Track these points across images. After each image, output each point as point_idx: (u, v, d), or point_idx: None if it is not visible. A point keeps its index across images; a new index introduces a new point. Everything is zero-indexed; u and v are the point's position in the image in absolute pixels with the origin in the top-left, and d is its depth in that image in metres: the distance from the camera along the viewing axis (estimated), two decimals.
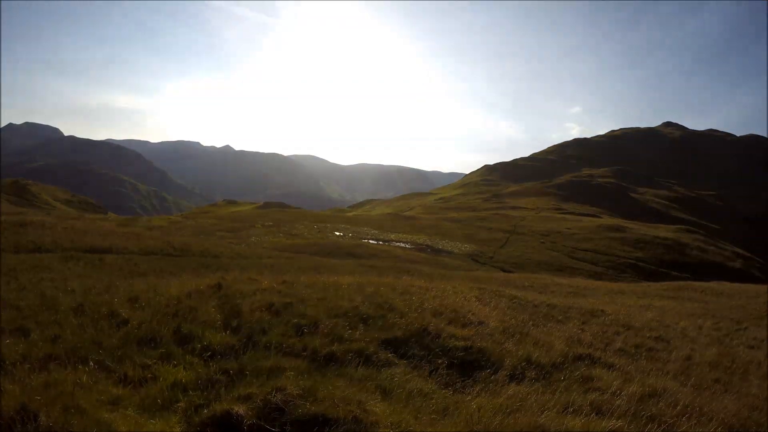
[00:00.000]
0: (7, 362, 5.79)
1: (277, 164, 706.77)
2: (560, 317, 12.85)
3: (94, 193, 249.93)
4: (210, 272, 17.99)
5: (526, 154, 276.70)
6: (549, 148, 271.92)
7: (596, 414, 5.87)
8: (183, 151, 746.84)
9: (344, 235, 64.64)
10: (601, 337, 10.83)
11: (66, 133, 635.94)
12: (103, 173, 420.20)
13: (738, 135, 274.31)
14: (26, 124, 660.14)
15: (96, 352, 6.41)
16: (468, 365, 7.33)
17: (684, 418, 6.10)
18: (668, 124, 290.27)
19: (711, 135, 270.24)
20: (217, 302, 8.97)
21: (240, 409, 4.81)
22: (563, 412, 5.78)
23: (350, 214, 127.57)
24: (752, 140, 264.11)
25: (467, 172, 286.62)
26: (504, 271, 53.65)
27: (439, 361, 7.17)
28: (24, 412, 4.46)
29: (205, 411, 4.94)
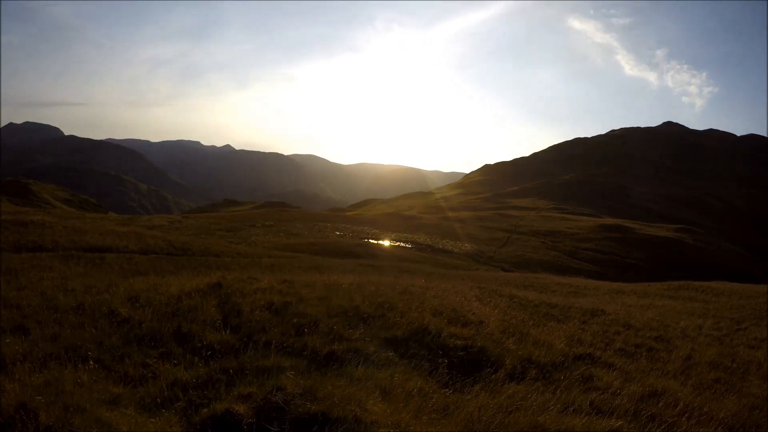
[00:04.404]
0: (8, 361, 5.79)
1: (277, 164, 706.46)
2: (560, 317, 12.84)
3: (94, 192, 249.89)
4: (210, 271, 17.94)
5: (527, 153, 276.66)
6: (549, 147, 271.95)
7: (596, 413, 5.87)
8: (183, 151, 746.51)
9: (344, 234, 64.61)
10: (602, 337, 10.82)
11: (66, 133, 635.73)
12: (104, 173, 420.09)
13: (738, 135, 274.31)
14: (26, 123, 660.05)
15: (96, 350, 6.41)
16: (468, 364, 7.32)
17: (684, 418, 6.10)
18: (668, 124, 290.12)
19: (711, 135, 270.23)
20: (217, 301, 8.97)
21: (240, 408, 4.81)
22: (563, 411, 5.78)
23: (350, 213, 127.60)
24: (752, 140, 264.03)
25: (467, 172, 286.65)
26: (504, 270, 53.64)
27: (439, 361, 7.16)
28: (24, 410, 4.46)
29: (205, 410, 4.94)
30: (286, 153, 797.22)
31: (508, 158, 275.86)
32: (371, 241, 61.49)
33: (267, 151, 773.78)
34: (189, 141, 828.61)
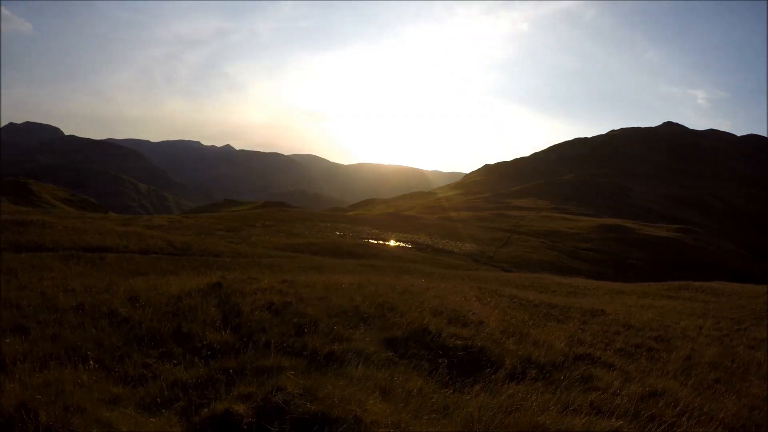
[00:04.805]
0: (8, 361, 5.79)
1: (277, 164, 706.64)
2: (560, 317, 12.85)
3: (94, 192, 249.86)
4: (210, 271, 17.95)
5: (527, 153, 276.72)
6: (549, 147, 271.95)
7: (596, 413, 5.87)
8: (183, 151, 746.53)
9: (344, 234, 64.61)
10: (602, 337, 10.83)
11: (66, 133, 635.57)
12: (104, 172, 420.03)
13: (738, 135, 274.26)
14: (26, 123, 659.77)
15: (96, 350, 6.41)
16: (468, 364, 7.33)
17: (684, 418, 6.10)
18: (668, 124, 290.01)
19: (711, 135, 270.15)
20: (218, 301, 8.97)
21: (240, 408, 4.80)
22: (563, 411, 5.78)
23: (350, 213, 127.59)
24: (752, 140, 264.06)
25: (468, 172, 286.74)
26: (504, 270, 53.62)
27: (439, 361, 7.16)
28: (24, 410, 4.46)
29: (205, 410, 4.94)
30: (285, 153, 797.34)
31: (508, 158, 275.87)
32: (371, 241, 61.49)
33: (267, 150, 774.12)
34: (189, 141, 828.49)
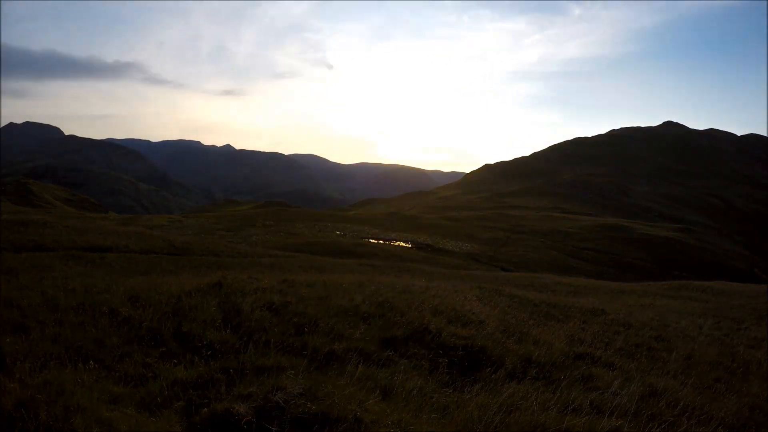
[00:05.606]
0: (8, 360, 5.79)
1: (277, 164, 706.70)
2: (561, 316, 12.85)
3: (94, 192, 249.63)
4: (210, 271, 17.97)
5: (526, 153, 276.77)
6: (549, 147, 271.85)
7: (597, 413, 5.86)
8: (183, 151, 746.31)
9: (345, 234, 64.66)
10: (602, 337, 10.83)
11: (66, 133, 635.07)
12: (104, 172, 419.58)
13: (738, 134, 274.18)
14: (26, 123, 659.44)
15: (96, 350, 6.41)
16: (468, 364, 7.33)
17: (684, 418, 6.10)
18: (668, 123, 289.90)
19: (711, 134, 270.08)
20: (218, 301, 8.97)
21: (240, 408, 4.80)
22: (564, 411, 5.78)
23: (351, 213, 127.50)
24: (753, 139, 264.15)
25: (468, 171, 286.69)
26: (504, 270, 53.62)
27: (440, 360, 7.17)
28: (24, 409, 4.46)
29: (205, 410, 4.94)
30: (285, 153, 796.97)
31: (508, 158, 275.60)
32: (371, 240, 61.52)
33: (267, 150, 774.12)
34: (189, 141, 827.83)
